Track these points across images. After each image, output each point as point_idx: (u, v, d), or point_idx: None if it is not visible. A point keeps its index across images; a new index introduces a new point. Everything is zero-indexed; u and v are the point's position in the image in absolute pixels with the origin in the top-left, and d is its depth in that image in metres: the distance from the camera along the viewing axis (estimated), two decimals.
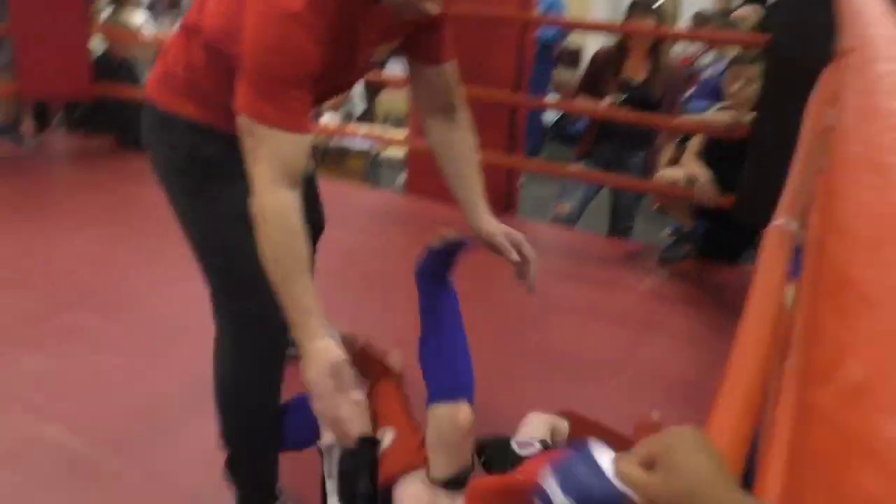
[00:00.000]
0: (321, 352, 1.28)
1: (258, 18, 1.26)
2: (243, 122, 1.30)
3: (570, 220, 3.73)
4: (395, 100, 5.63)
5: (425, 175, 4.03)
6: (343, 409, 1.29)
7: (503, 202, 3.93)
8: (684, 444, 0.68)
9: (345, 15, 1.32)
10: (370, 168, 4.95)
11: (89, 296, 2.78)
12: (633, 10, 3.54)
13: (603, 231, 3.90)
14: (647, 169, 3.72)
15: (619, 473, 0.72)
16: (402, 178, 4.65)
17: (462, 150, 1.61)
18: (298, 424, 1.48)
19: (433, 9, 1.30)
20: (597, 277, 3.23)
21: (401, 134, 4.99)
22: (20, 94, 4.41)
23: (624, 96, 3.49)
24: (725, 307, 2.93)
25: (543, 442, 1.58)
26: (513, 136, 3.94)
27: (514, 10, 3.78)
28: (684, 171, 3.25)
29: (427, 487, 1.43)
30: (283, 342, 1.34)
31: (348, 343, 1.79)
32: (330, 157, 4.83)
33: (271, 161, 1.29)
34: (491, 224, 1.57)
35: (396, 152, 4.96)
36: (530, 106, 4.01)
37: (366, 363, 1.79)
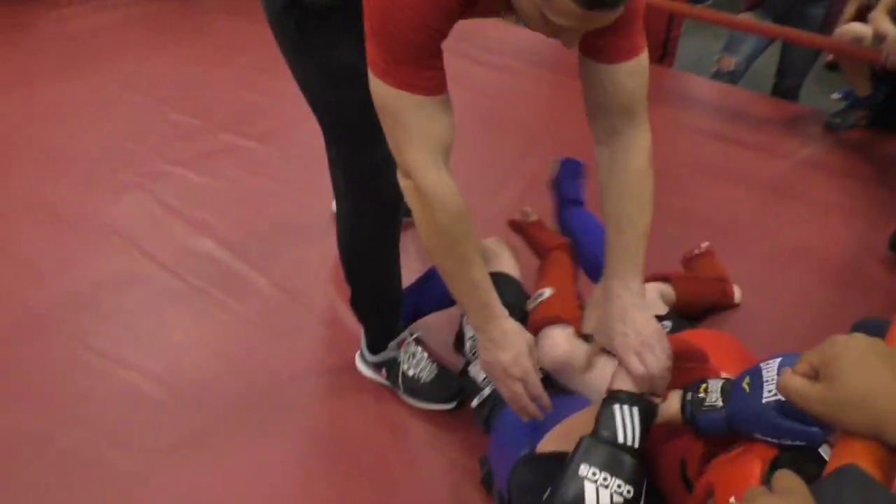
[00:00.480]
0: (512, 335, 1.26)
1: None
2: (378, 89, 1.13)
3: (733, 77, 3.46)
4: None
5: None
6: (519, 389, 1.27)
7: (660, 51, 3.69)
8: (852, 351, 0.64)
9: None
10: None
11: (245, 119, 2.90)
12: None
13: (767, 91, 3.62)
14: (827, 23, 3.35)
15: (781, 388, 0.70)
16: None
17: (625, 192, 1.24)
18: (439, 291, 1.49)
19: (566, 46, 1.08)
20: (753, 141, 3.04)
21: None
22: None
23: None
24: (894, 185, 2.71)
25: (670, 316, 1.59)
26: None
27: None
28: (872, 26, 2.91)
29: (568, 336, 1.46)
30: (398, 195, 1.29)
31: (524, 216, 1.86)
32: None
33: (419, 138, 1.14)
34: (626, 322, 1.21)
35: None
36: None
37: (540, 235, 1.83)
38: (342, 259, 1.70)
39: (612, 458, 1.04)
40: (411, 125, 1.13)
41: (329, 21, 1.34)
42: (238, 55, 3.42)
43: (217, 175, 2.56)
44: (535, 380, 1.28)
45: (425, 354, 1.81)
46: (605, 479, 1.02)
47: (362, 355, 1.85)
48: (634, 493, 1.02)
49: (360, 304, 1.76)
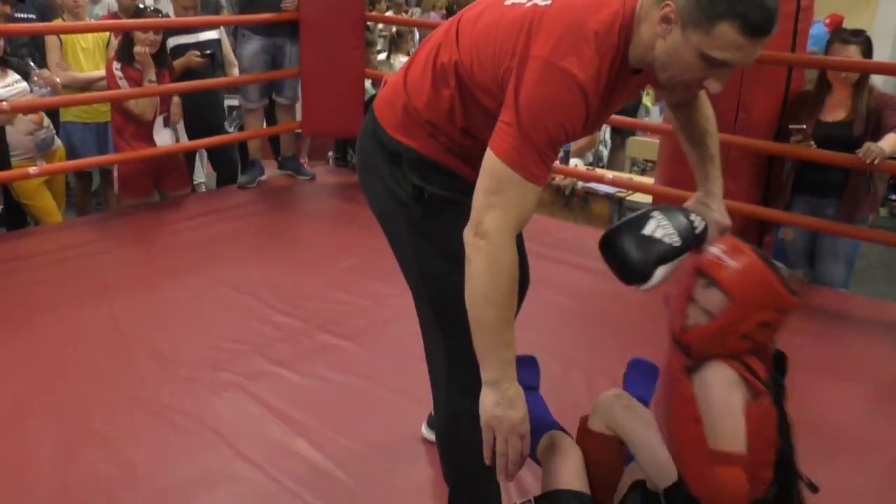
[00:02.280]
0: (522, 398, 1.41)
1: (545, 74, 1.30)
2: (496, 165, 1.34)
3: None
4: (643, 146, 5.51)
5: None
6: (519, 446, 1.42)
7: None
8: None
9: (612, 85, 1.36)
10: (615, 213, 4.87)
11: (341, 320, 3.00)
12: (833, 39, 3.36)
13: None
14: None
15: None
16: None
17: (701, 124, 1.71)
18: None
19: (715, 88, 1.33)
20: (857, 340, 2.91)
21: (648, 180, 4.87)
22: (302, 131, 4.92)
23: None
24: None
25: None
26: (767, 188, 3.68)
27: (781, 49, 3.49)
28: None
29: None
30: None
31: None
32: (575, 200, 4.83)
33: (512, 210, 1.34)
34: (717, 213, 1.66)
35: (643, 198, 4.84)
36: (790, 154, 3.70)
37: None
38: (444, 455, 1.71)
39: None
40: (512, 201, 1.34)
41: (451, 206, 1.54)
42: (338, 259, 3.60)
43: (313, 375, 2.61)
44: (529, 444, 1.44)
45: None
46: None
47: None
48: None
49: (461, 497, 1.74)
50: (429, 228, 1.57)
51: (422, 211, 1.57)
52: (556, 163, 4.79)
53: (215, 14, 5.31)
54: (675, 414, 1.51)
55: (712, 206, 1.67)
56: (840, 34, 3.40)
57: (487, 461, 1.45)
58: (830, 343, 2.96)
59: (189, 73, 4.36)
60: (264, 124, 4.97)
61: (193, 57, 4.37)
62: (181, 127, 4.28)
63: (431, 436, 2.19)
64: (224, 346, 2.79)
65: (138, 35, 3.95)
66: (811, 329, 2.99)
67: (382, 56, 5.81)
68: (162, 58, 4.09)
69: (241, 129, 5.14)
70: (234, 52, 4.76)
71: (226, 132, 4.98)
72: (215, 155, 5.00)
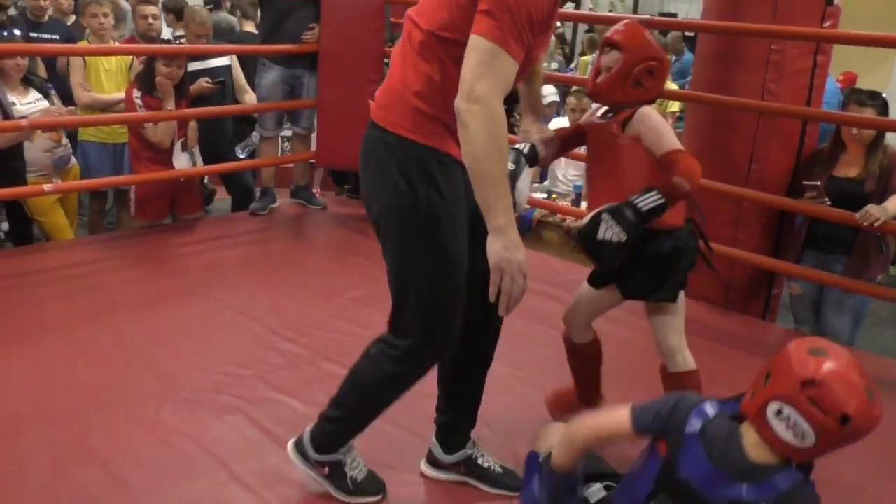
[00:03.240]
0: (520, 242, 1.65)
1: None
2: (482, 44, 1.57)
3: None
4: None
5: None
6: (522, 283, 1.67)
7: (762, 307, 3.67)
8: None
9: None
10: None
11: (345, 350, 2.98)
12: (850, 101, 3.40)
13: None
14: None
15: None
16: None
17: (539, 75, 2.19)
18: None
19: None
20: None
21: None
22: (316, 161, 4.96)
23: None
24: None
25: None
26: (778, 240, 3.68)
27: (797, 104, 3.50)
28: None
29: None
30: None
31: None
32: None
33: (499, 80, 1.58)
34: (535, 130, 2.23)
35: None
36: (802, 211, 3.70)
37: None
38: (357, 385, 1.98)
39: None
40: (499, 71, 1.58)
41: (453, 206, 1.80)
42: (345, 290, 3.61)
43: (315, 403, 2.57)
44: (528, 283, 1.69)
45: (361, 458, 2.09)
46: None
47: (303, 449, 2.06)
48: None
49: (346, 416, 2.02)
50: (427, 228, 1.78)
51: (422, 208, 1.77)
52: (567, 203, 4.82)
53: (228, 38, 5.41)
54: (627, 161, 2.15)
55: (531, 129, 2.24)
56: (857, 96, 3.42)
57: (492, 299, 1.67)
58: None
59: (200, 99, 4.42)
60: (279, 152, 5.01)
61: (204, 84, 4.44)
62: (197, 151, 4.33)
63: (430, 472, 2.21)
64: (228, 371, 2.78)
65: (161, 68, 4.01)
66: None
67: None
68: (182, 88, 4.16)
69: (252, 154, 5.19)
70: (254, 81, 4.82)
71: (236, 158, 5.03)
72: (230, 180, 5.04)
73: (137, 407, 2.52)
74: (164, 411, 2.51)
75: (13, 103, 3.86)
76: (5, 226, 4.50)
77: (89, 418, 2.44)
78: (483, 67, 1.56)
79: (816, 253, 3.50)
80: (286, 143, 5.66)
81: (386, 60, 5.03)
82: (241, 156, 5.19)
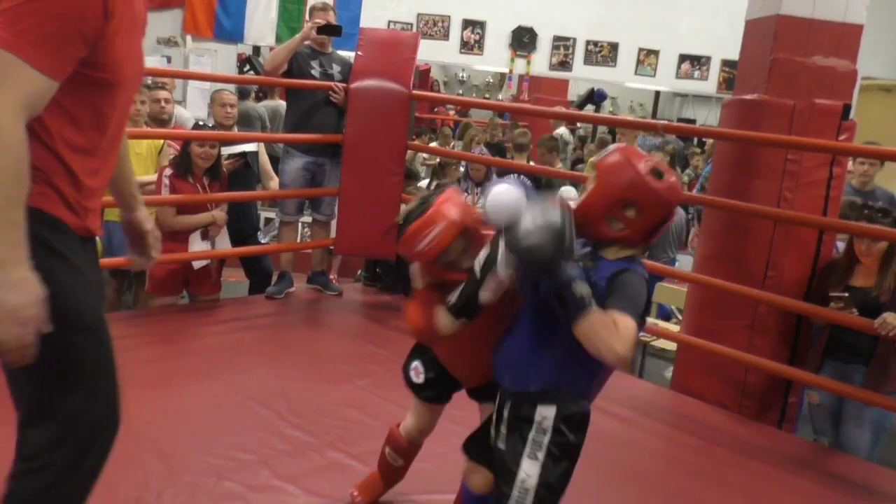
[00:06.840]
0: (28, 283, 1.36)
1: None
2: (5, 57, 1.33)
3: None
4: (671, 293, 5.49)
5: (694, 372, 3.85)
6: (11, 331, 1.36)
7: (778, 415, 3.60)
8: None
9: None
10: (638, 357, 4.83)
11: (352, 440, 2.95)
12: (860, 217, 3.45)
13: None
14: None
15: None
16: (669, 371, 4.47)
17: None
18: None
19: None
20: None
21: (675, 327, 4.86)
22: (334, 248, 5.02)
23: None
24: None
25: None
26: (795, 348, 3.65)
27: (812, 212, 3.52)
28: None
29: None
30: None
31: None
32: None
33: (14, 91, 1.33)
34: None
35: (668, 344, 4.81)
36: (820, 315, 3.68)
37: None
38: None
39: None
40: (13, 81, 1.33)
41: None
42: (356, 377, 3.59)
43: (318, 493, 2.55)
44: (32, 332, 1.38)
45: None
46: None
47: None
48: None
49: None
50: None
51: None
52: None
53: (256, 127, 5.57)
54: None
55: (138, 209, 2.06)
56: (868, 213, 3.47)
57: None
58: None
59: (228, 184, 4.53)
60: (299, 238, 5.08)
61: (225, 162, 4.57)
62: (226, 234, 4.42)
63: None
64: (232, 455, 2.75)
65: (195, 148, 4.14)
66: (831, 499, 2.89)
67: (424, 183, 6.01)
68: (216, 170, 4.28)
69: (274, 239, 5.27)
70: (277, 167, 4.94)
71: (258, 242, 5.10)
72: (250, 263, 5.10)
73: (138, 489, 2.48)
74: (166, 495, 2.46)
75: None
76: None
77: (89, 498, 2.40)
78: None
79: (835, 363, 3.47)
80: (306, 229, 5.75)
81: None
82: (264, 240, 5.27)
